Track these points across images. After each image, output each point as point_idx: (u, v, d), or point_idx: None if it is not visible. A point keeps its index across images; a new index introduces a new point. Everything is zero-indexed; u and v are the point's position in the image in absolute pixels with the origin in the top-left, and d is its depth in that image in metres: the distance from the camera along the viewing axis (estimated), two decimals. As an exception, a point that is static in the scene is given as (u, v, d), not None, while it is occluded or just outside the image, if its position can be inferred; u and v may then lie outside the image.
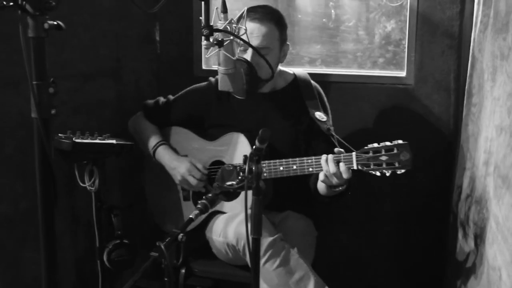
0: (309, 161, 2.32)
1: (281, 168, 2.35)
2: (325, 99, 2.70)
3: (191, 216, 2.03)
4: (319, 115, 2.53)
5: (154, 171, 2.78)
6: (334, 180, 2.26)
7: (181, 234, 1.99)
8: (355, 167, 2.23)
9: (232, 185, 1.90)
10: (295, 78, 2.68)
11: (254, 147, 1.78)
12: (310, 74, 3.00)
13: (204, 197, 2.08)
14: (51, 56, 2.59)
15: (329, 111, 2.68)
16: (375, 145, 2.21)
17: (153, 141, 2.72)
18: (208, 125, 2.72)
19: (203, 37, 2.12)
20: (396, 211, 3.11)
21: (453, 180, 2.82)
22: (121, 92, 3.14)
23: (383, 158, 2.20)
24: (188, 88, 2.78)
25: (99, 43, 3.00)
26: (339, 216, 3.16)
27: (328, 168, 2.24)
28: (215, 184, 2.11)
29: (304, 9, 3.11)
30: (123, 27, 3.10)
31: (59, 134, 2.48)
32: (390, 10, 2.97)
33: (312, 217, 2.73)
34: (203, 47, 2.15)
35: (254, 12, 2.53)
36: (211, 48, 2.17)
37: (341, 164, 2.23)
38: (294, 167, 2.32)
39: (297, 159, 2.33)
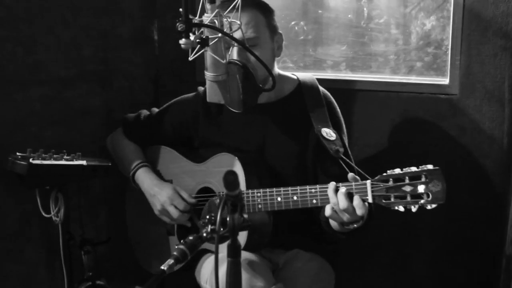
0: (313, 190, 2.00)
1: (279, 199, 2.04)
2: (337, 110, 2.36)
3: (163, 268, 1.63)
4: (327, 132, 2.20)
5: (136, 198, 2.45)
6: (346, 216, 1.93)
7: (145, 297, 1.55)
8: (370, 200, 1.91)
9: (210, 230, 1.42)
10: (299, 85, 2.34)
11: (224, 193, 1.32)
12: (333, 80, 2.78)
13: (182, 241, 1.69)
14: (18, 57, 2.45)
15: (343, 126, 2.35)
16: (397, 171, 1.89)
17: (132, 162, 2.40)
18: (197, 144, 2.39)
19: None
20: (434, 247, 2.81)
21: (507, 212, 2.54)
22: (110, 100, 2.83)
23: (407, 188, 1.87)
24: (173, 100, 2.47)
25: (82, 42, 2.70)
26: (363, 252, 2.86)
27: (337, 201, 1.91)
28: (200, 222, 1.69)
29: (326, 4, 2.85)
30: (113, 24, 2.80)
31: (17, 153, 2.17)
32: (430, 5, 2.71)
33: (328, 256, 2.35)
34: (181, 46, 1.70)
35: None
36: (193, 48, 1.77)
37: (356, 197, 1.91)
38: (295, 198, 2.02)
39: (298, 188, 2.02)
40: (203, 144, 2.36)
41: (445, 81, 2.68)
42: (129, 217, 2.55)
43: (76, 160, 2.20)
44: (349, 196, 1.91)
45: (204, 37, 1.73)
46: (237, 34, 2.07)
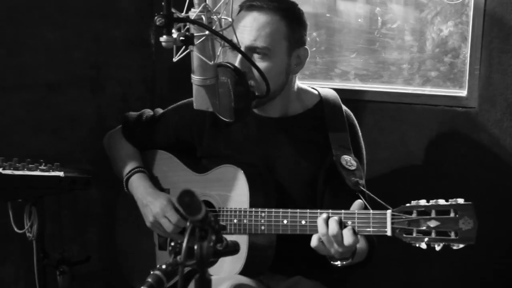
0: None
1: (285, 222, 1.92)
2: (360, 134, 2.19)
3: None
4: (347, 161, 2.03)
5: (128, 204, 2.32)
6: (334, 248, 1.80)
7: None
8: (389, 233, 1.78)
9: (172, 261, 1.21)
10: (320, 102, 2.17)
11: (189, 220, 1.14)
12: (340, 90, 2.63)
13: (159, 265, 1.49)
14: (1, 59, 2.34)
15: (364, 153, 2.20)
16: (422, 202, 1.76)
17: (128, 166, 2.25)
18: (200, 153, 2.24)
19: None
20: (447, 276, 2.69)
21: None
22: (102, 107, 2.74)
23: (432, 223, 1.74)
24: (180, 102, 2.30)
25: (72, 44, 2.61)
26: (370, 281, 2.73)
27: (324, 230, 1.79)
28: (170, 248, 1.52)
29: (334, 7, 2.77)
30: (106, 26, 2.70)
31: (-12, 162, 2.03)
32: (447, 9, 2.64)
33: (332, 285, 2.19)
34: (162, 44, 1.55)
35: None
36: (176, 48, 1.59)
37: (348, 227, 1.80)
38: (303, 222, 1.88)
39: (308, 211, 1.88)
40: (206, 154, 2.23)
41: (463, 92, 2.62)
42: (118, 225, 2.43)
43: (53, 171, 2.03)
44: (341, 224, 1.80)
45: (188, 34, 1.54)
46: (245, 39, 1.94)
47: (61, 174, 2.02)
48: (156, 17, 1.47)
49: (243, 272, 1.98)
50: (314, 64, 2.77)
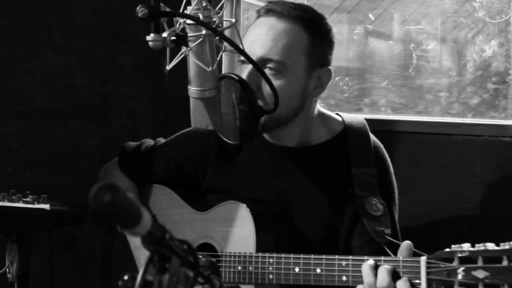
0: (343, 263, 1.65)
1: (297, 270, 1.69)
2: (390, 170, 1.95)
3: None
4: (372, 204, 1.80)
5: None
6: None
7: None
8: (423, 285, 1.53)
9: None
10: (344, 130, 1.92)
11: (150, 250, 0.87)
12: (370, 120, 2.49)
13: None
14: None
15: (395, 193, 1.95)
16: (466, 247, 1.51)
17: None
18: (205, 187, 2.01)
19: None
20: None
21: None
22: (108, 140, 2.63)
23: (480, 274, 1.48)
24: (183, 131, 2.11)
25: (75, 70, 2.53)
26: None
27: (372, 279, 1.55)
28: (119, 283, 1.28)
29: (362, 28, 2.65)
30: (114, 52, 2.60)
31: (-34, 193, 1.87)
32: (489, 27, 2.52)
33: None
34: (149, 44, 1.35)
35: (273, 4, 1.78)
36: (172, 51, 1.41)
37: (404, 280, 1.54)
38: (318, 270, 1.66)
39: (324, 257, 1.66)
40: (211, 189, 2.02)
41: (509, 122, 2.48)
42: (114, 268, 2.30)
43: (38, 203, 1.85)
44: (395, 276, 1.56)
45: (183, 34, 1.32)
46: (258, 49, 1.68)
47: (46, 207, 1.84)
48: (138, 8, 1.24)
49: None
50: (339, 93, 2.60)
